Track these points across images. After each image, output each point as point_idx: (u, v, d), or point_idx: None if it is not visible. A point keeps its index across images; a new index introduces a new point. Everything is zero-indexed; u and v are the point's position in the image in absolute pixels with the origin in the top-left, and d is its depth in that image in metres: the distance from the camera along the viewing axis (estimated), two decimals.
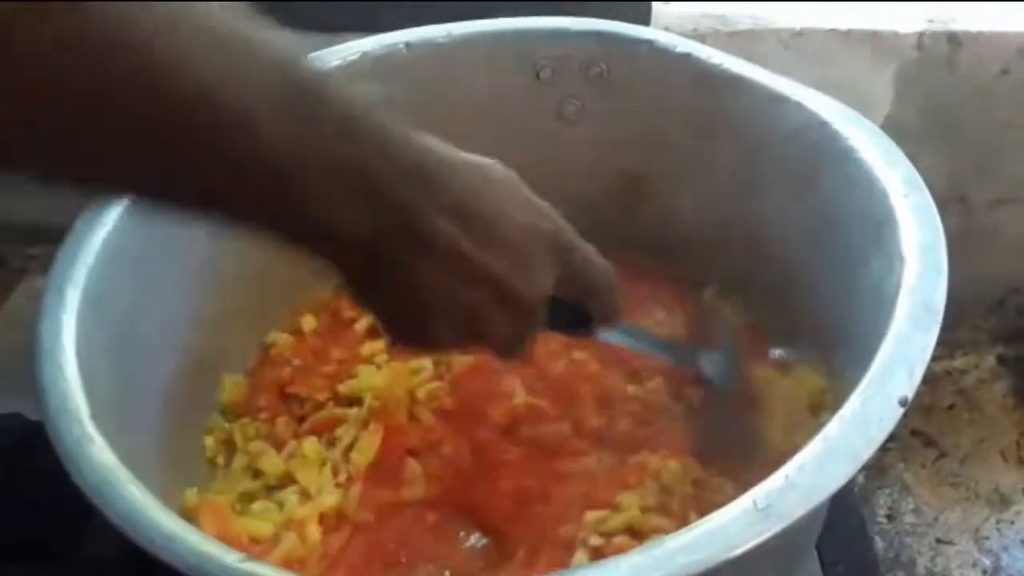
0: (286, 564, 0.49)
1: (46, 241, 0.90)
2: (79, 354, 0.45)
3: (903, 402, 0.39)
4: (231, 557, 0.36)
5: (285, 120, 0.30)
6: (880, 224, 0.48)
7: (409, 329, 0.39)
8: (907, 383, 0.40)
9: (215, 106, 0.28)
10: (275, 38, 0.31)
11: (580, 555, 0.48)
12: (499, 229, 0.38)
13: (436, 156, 0.36)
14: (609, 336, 0.49)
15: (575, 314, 0.45)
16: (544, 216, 0.41)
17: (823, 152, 0.54)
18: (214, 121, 0.28)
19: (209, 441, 0.58)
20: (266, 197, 0.31)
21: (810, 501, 0.36)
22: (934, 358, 0.41)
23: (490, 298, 0.38)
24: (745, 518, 0.36)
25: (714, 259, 0.64)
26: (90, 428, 0.41)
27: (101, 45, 0.25)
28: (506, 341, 0.41)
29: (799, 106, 0.56)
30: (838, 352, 0.52)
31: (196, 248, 0.56)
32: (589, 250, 0.43)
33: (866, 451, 0.38)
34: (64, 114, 0.26)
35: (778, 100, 0.57)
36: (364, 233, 0.34)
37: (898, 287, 0.44)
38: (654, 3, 0.78)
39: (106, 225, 0.51)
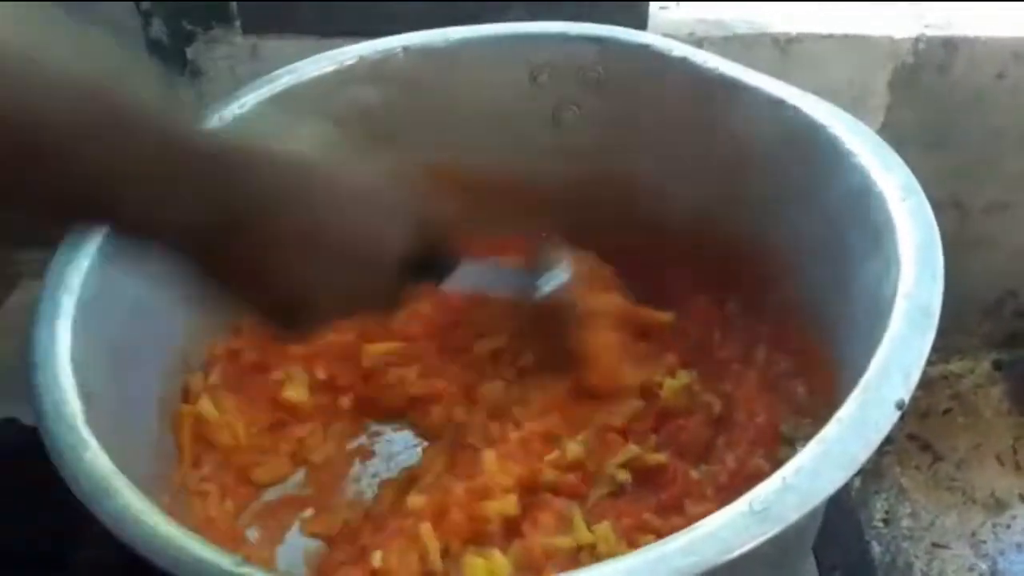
0: None
1: (40, 247, 0.91)
2: (74, 360, 0.45)
3: (900, 405, 0.39)
4: (227, 561, 0.35)
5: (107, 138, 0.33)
6: (877, 228, 0.48)
7: (279, 311, 0.41)
8: (903, 386, 0.40)
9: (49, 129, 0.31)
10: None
11: None
12: (346, 195, 0.40)
13: (252, 149, 0.38)
14: (456, 282, 0.50)
15: (420, 264, 0.47)
16: (390, 183, 0.43)
17: (820, 157, 0.54)
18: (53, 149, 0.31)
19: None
20: (101, 202, 0.34)
21: (807, 504, 0.36)
22: (930, 362, 0.41)
23: (344, 268, 0.41)
24: (741, 521, 0.36)
25: (710, 263, 0.65)
26: (85, 434, 0.41)
27: None
28: (371, 309, 0.45)
29: (796, 110, 0.56)
30: (835, 355, 0.52)
31: None
32: (426, 209, 0.45)
33: (863, 454, 0.38)
34: None
35: (775, 104, 0.57)
36: (199, 224, 0.36)
37: (895, 290, 0.44)
38: (650, 8, 0.79)
39: (100, 231, 0.51)
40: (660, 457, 0.56)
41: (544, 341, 0.60)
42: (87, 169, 0.32)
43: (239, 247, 0.37)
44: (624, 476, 0.56)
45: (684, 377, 0.60)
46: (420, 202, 0.45)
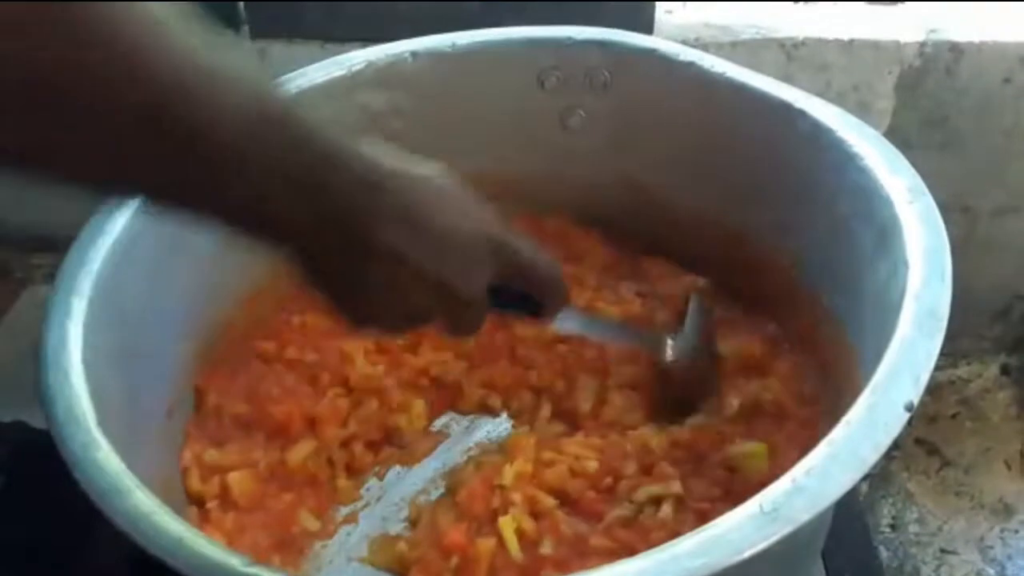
0: None
1: (49, 250, 0.91)
2: (85, 362, 0.45)
3: (909, 407, 0.39)
4: (236, 561, 0.36)
5: (253, 137, 0.35)
6: (885, 231, 0.49)
7: (358, 315, 0.43)
8: (912, 389, 0.40)
9: (201, 123, 0.33)
10: (249, 69, 0.36)
11: None
12: (441, 236, 0.41)
13: (384, 168, 0.40)
14: (565, 324, 0.53)
15: (525, 301, 0.49)
16: (486, 221, 0.44)
17: (828, 159, 0.54)
18: (197, 133, 0.33)
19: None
20: (228, 193, 0.35)
21: (816, 505, 0.36)
22: (938, 367, 0.41)
23: (430, 298, 0.42)
24: (751, 522, 0.36)
25: (717, 266, 0.65)
26: (96, 435, 0.41)
27: (124, 75, 0.31)
28: (450, 329, 0.46)
29: (803, 114, 0.56)
30: (842, 357, 0.52)
31: (200, 257, 0.56)
32: (531, 248, 0.47)
33: (872, 456, 0.38)
34: (83, 121, 0.31)
35: (782, 108, 0.57)
36: (306, 226, 0.38)
37: (903, 293, 0.44)
38: (656, 13, 0.79)
39: (111, 234, 0.51)
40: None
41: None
42: (241, 166, 0.34)
43: (336, 252, 0.39)
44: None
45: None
46: (505, 225, 0.45)
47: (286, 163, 0.36)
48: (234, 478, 0.54)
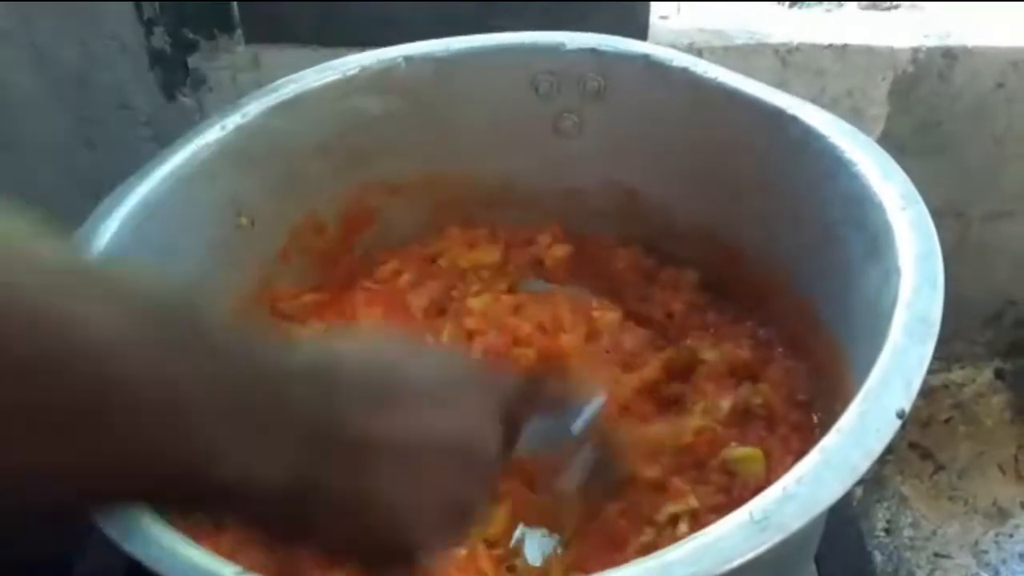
0: None
1: None
2: None
3: (901, 414, 0.39)
4: (228, 571, 0.35)
5: (162, 359, 0.27)
6: (876, 237, 0.49)
7: (383, 547, 0.34)
8: (904, 395, 0.40)
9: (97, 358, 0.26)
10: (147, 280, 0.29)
11: None
12: (432, 388, 0.35)
13: (332, 349, 0.34)
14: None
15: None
16: (460, 361, 0.39)
17: (820, 165, 0.54)
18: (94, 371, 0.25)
19: None
20: (164, 446, 0.27)
21: (807, 513, 0.36)
22: (931, 371, 0.41)
23: (455, 466, 0.35)
24: (741, 531, 0.35)
25: (708, 270, 0.65)
26: None
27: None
28: (477, 511, 0.37)
29: (795, 120, 0.56)
30: (834, 363, 0.52)
31: (192, 258, 0.56)
32: (522, 386, 0.41)
33: (864, 463, 0.38)
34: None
35: (775, 114, 0.57)
36: (284, 473, 0.30)
37: (895, 299, 0.44)
38: (652, 18, 0.79)
39: (103, 237, 0.51)
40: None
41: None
42: (173, 408, 0.26)
43: (328, 492, 0.31)
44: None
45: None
46: (500, 381, 0.40)
47: (224, 392, 0.28)
48: None
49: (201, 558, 0.36)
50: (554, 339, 0.63)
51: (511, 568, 0.53)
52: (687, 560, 0.35)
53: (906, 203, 0.49)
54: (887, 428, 0.39)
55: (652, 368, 0.61)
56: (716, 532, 0.36)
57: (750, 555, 0.35)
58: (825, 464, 0.38)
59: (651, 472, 0.55)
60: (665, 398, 0.60)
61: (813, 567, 0.57)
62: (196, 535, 0.42)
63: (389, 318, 0.65)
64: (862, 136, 0.54)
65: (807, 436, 0.55)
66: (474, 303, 0.66)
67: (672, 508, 0.52)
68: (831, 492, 0.37)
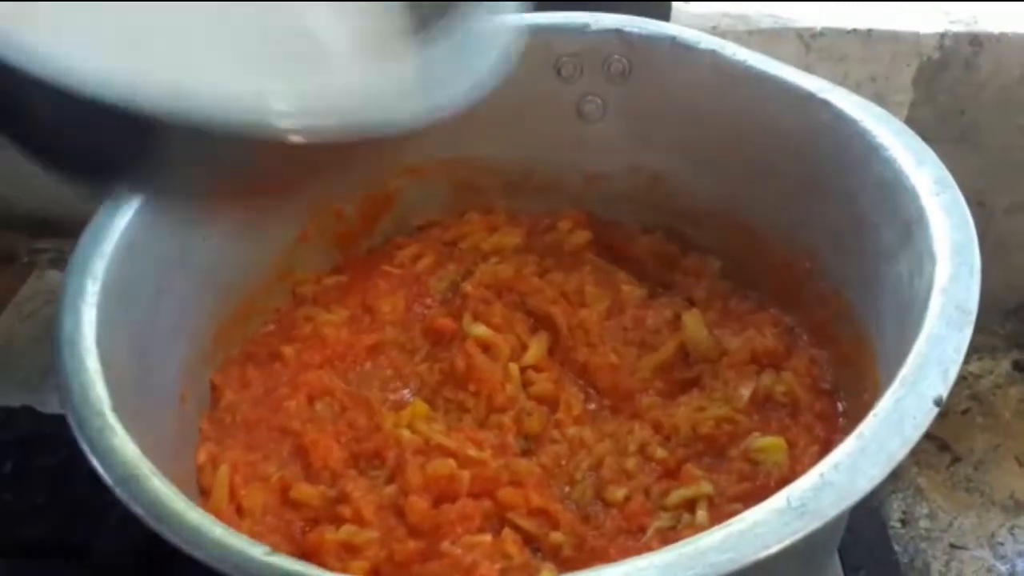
0: None
1: (54, 235, 0.91)
2: (99, 345, 0.44)
3: (938, 402, 0.39)
4: (257, 551, 0.35)
5: None
6: (909, 223, 0.48)
7: None
8: (942, 383, 0.39)
9: None
10: None
11: None
12: None
13: None
14: None
15: None
16: None
17: (851, 150, 0.53)
18: None
19: None
20: None
21: (844, 500, 0.36)
22: None
23: None
24: (778, 517, 0.35)
25: (733, 256, 0.64)
26: (112, 420, 0.41)
27: None
28: None
29: (826, 104, 0.55)
30: (861, 351, 0.51)
31: (213, 240, 0.56)
32: None
33: (900, 450, 0.37)
34: None
35: (804, 98, 0.56)
36: None
37: (929, 286, 0.43)
38: (674, 2, 0.78)
39: (125, 216, 0.51)
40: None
41: None
42: None
43: None
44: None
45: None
46: None
47: None
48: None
49: (229, 537, 0.36)
50: (575, 310, 0.62)
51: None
52: (723, 546, 0.34)
53: (940, 188, 0.48)
54: (924, 415, 0.38)
55: (669, 348, 0.61)
56: (752, 518, 0.35)
57: (788, 541, 0.34)
58: (862, 451, 0.37)
59: (662, 454, 0.54)
60: (683, 380, 0.59)
61: (836, 557, 0.57)
62: None
63: (409, 302, 0.64)
64: (895, 120, 0.53)
65: (832, 425, 0.55)
66: (501, 268, 0.65)
67: (683, 492, 0.52)
68: (868, 479, 0.36)
